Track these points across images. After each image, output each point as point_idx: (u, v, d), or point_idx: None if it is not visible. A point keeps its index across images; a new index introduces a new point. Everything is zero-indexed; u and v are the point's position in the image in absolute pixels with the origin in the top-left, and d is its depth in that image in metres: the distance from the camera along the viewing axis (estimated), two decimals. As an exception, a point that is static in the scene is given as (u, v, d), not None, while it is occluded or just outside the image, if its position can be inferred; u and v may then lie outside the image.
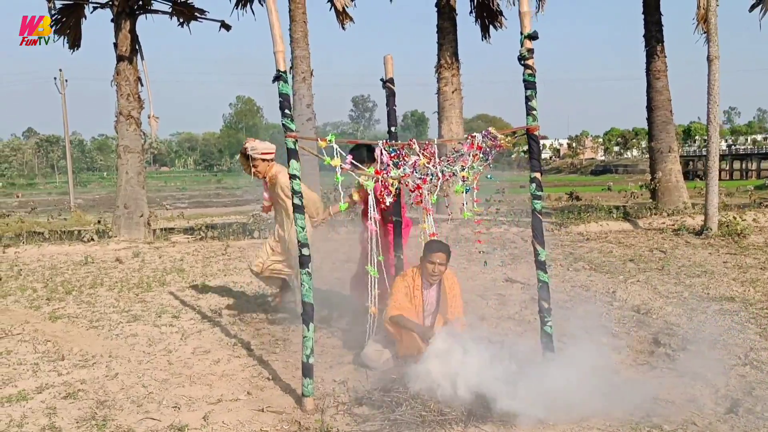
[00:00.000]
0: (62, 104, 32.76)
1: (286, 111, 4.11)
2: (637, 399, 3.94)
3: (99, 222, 15.44)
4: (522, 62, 3.95)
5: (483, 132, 4.03)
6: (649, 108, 15.92)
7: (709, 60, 11.88)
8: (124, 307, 7.26)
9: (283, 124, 4.12)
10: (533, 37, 3.91)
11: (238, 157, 6.78)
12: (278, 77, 4.10)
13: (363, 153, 5.20)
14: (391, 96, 5.47)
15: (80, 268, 10.15)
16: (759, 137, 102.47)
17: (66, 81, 32.69)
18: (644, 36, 16.11)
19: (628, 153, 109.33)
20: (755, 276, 7.98)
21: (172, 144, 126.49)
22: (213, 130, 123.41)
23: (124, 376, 4.86)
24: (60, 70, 32.86)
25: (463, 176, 4.01)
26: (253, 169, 6.12)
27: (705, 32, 15.50)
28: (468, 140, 4.05)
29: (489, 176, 4.14)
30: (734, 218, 12.33)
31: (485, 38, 17.31)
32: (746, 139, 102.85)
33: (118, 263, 10.54)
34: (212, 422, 3.93)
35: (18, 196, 48.53)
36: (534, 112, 3.96)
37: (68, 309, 7.25)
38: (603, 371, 4.08)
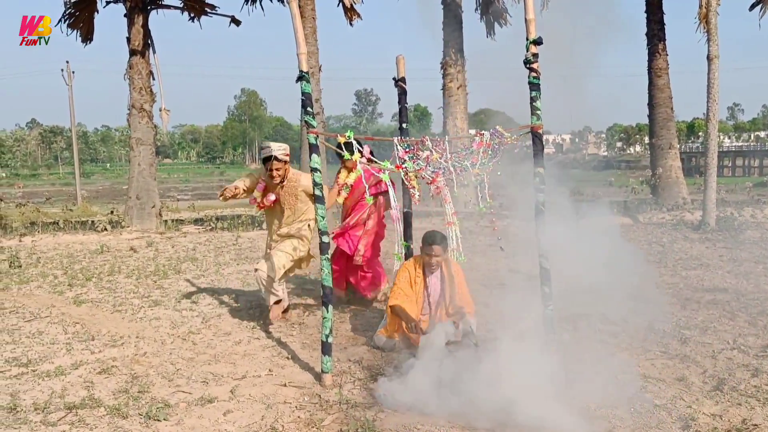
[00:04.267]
0: (69, 96, 32.98)
1: (309, 109, 4.44)
2: (628, 378, 4.27)
3: (112, 212, 15.80)
4: (527, 66, 4.26)
5: (491, 130, 4.35)
6: (651, 105, 16.22)
7: (708, 59, 12.18)
8: (144, 293, 7.60)
9: (305, 121, 4.45)
10: (538, 42, 4.22)
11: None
12: (301, 77, 4.43)
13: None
14: (402, 94, 5.79)
15: (97, 257, 10.50)
16: (762, 134, 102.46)
17: (73, 73, 32.92)
18: (646, 34, 16.40)
19: (631, 149, 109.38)
20: (749, 269, 8.31)
21: (174, 136, 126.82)
22: (216, 122, 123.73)
23: (152, 355, 5.20)
24: (67, 61, 33.01)
25: (476, 172, 4.33)
26: (274, 172, 5.79)
27: (706, 31, 15.79)
28: (477, 138, 4.37)
29: (500, 173, 4.45)
30: (732, 214, 12.68)
31: (490, 35, 17.62)
32: (749, 136, 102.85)
33: (132, 252, 10.89)
34: (239, 395, 4.27)
35: (20, 187, 48.72)
36: (538, 112, 4.28)
37: (91, 294, 7.59)
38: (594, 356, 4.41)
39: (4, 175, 73.66)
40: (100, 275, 8.79)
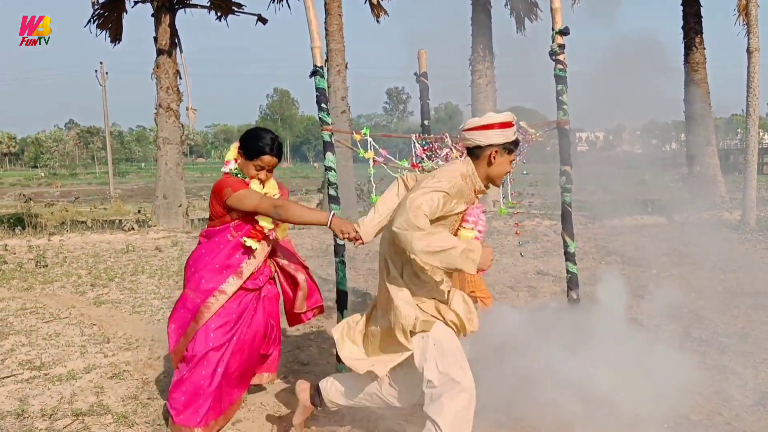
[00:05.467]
0: (103, 96, 33.53)
1: (323, 105, 4.25)
2: (664, 390, 3.99)
3: (139, 212, 15.87)
4: (553, 58, 4.02)
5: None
6: (687, 101, 15.72)
7: (748, 52, 11.71)
8: (165, 293, 7.52)
9: (319, 117, 4.27)
10: (564, 32, 3.98)
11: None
12: (315, 72, 4.25)
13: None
14: (424, 90, 5.57)
15: (122, 256, 10.49)
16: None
17: (107, 73, 33.42)
18: (682, 28, 15.91)
19: (666, 146, 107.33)
20: (792, 273, 7.91)
21: (208, 136, 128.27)
22: (249, 122, 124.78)
23: (165, 359, 5.07)
24: (101, 62, 33.64)
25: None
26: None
27: (746, 23, 15.24)
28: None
29: (525, 172, 4.21)
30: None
31: (520, 30, 17.26)
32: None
33: (157, 251, 10.86)
34: (250, 403, 4.11)
35: (58, 186, 49.80)
36: (565, 107, 4.04)
37: (111, 295, 7.54)
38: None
39: (43, 174, 75.25)
40: (123, 275, 8.75)
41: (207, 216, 4.03)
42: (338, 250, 4.24)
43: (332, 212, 3.42)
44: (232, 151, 3.68)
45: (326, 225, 3.37)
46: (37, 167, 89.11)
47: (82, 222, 15.01)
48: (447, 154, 4.37)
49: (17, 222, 14.27)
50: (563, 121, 4.04)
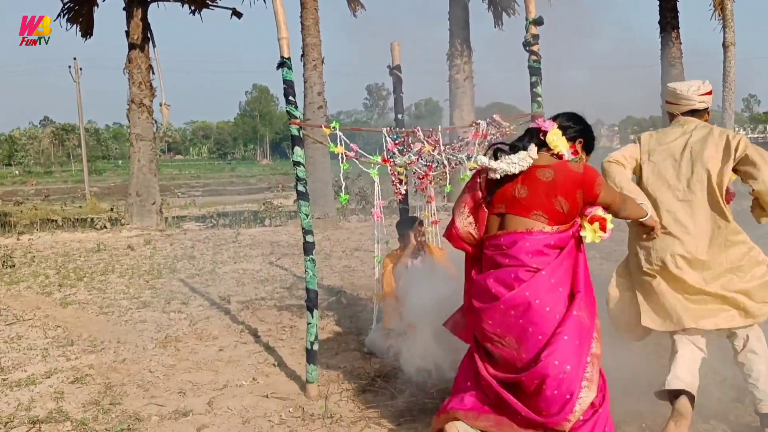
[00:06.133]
0: (77, 92, 32.87)
1: (290, 98, 4.09)
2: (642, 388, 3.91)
3: (112, 210, 15.58)
4: (527, 48, 3.91)
5: (488, 119, 4.00)
6: (664, 95, 15.75)
7: (724, 46, 11.75)
8: (134, 293, 7.32)
9: (287, 110, 4.11)
10: (538, 22, 3.87)
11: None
12: (282, 63, 4.08)
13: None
14: (398, 83, 5.45)
15: (92, 255, 10.25)
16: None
17: (81, 69, 32.76)
18: (659, 22, 15.90)
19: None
20: None
21: (186, 133, 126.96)
22: (227, 118, 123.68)
23: (131, 361, 4.90)
24: (74, 58, 32.83)
25: (473, 166, 3.98)
26: None
27: (721, 18, 15.31)
28: (473, 128, 4.02)
29: None
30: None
31: (498, 25, 17.19)
32: (765, 128, 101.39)
33: (129, 250, 10.63)
34: (217, 408, 3.96)
35: (33, 184, 49.07)
36: (539, 99, 3.93)
37: (79, 295, 7.33)
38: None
39: (17, 173, 74.02)
40: (92, 275, 8.53)
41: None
42: (308, 249, 4.10)
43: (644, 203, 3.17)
44: (561, 139, 2.85)
45: (644, 218, 3.16)
46: (11, 165, 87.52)
47: (53, 221, 14.69)
48: (420, 148, 4.25)
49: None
50: (538, 114, 3.94)
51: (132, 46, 14.13)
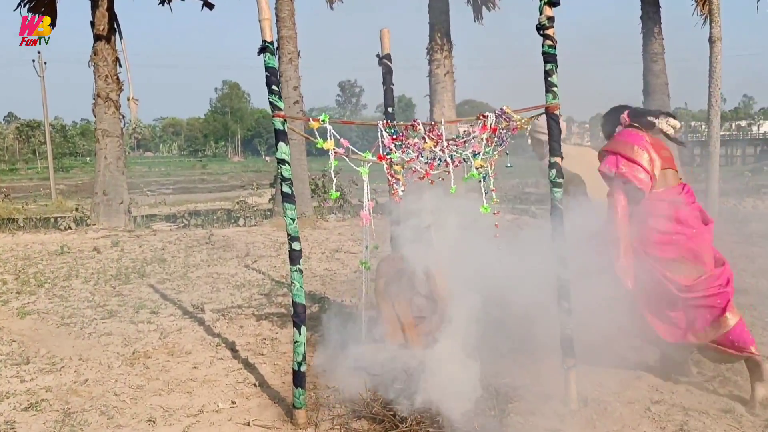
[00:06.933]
0: (41, 87, 31.81)
1: (274, 87, 3.62)
2: (664, 410, 3.54)
3: (77, 209, 14.84)
4: (541, 32, 3.49)
5: (497, 111, 3.57)
6: (646, 92, 15.53)
7: (710, 41, 11.49)
8: (100, 301, 6.77)
9: (270, 101, 3.64)
10: (554, 3, 3.45)
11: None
12: (264, 48, 3.61)
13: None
14: (387, 73, 4.99)
15: (55, 258, 9.62)
16: (744, 123, 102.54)
17: (45, 63, 31.68)
18: (641, 17, 15.69)
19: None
20: (765, 266, 7.62)
21: (156, 129, 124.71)
22: (198, 115, 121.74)
23: (94, 382, 4.38)
24: (38, 52, 31.78)
25: (479, 164, 3.54)
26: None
27: (702, 14, 15.13)
28: (480, 121, 3.59)
29: (508, 164, 3.68)
30: (735, 206, 12.03)
31: (477, 19, 16.80)
32: (731, 125, 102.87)
33: (95, 253, 10.01)
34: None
35: (-5, 182, 47.65)
36: (554, 89, 3.51)
37: (39, 304, 6.75)
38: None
39: (-20, 170, 71.92)
40: (54, 280, 7.93)
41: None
42: (294, 257, 3.63)
43: None
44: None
45: None
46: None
47: (14, 220, 13.94)
48: (416, 144, 3.81)
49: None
50: (553, 106, 3.52)
51: (97, 38, 13.42)
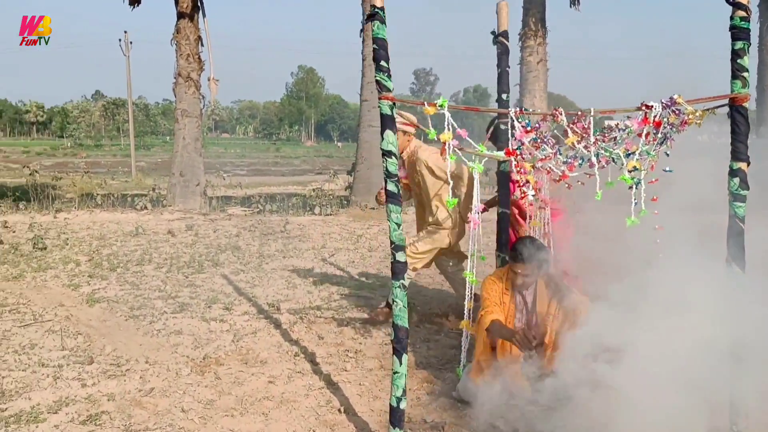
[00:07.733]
0: (126, 66, 32.41)
1: (382, 63, 2.98)
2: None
3: (153, 189, 14.75)
4: (731, 1, 2.71)
5: (663, 101, 2.81)
6: (760, 87, 14.15)
7: None
8: (171, 291, 6.37)
9: (377, 80, 3.00)
10: (752, -37, 2.66)
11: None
12: (373, 15, 2.97)
13: None
14: (503, 54, 4.27)
15: (130, 240, 9.37)
16: None
17: (131, 43, 32.27)
18: (758, 6, 14.29)
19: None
20: None
21: (233, 111, 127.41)
22: (274, 99, 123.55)
23: (160, 393, 3.90)
24: (125, 32, 32.42)
25: (633, 166, 2.81)
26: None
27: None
28: (640, 113, 2.84)
29: (667, 168, 2.93)
30: None
31: (574, 5, 15.70)
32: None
33: (170, 236, 9.73)
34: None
35: (82, 156, 49.58)
36: (744, 74, 2.72)
37: (110, 290, 6.42)
38: None
39: (69, 144, 75.07)
40: (127, 264, 7.63)
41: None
42: (398, 270, 2.99)
43: None
44: None
45: None
46: (63, 137, 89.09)
47: (92, 197, 13.95)
48: (551, 139, 3.10)
49: (22, 195, 13.27)
50: (741, 97, 2.74)
51: (180, 15, 13.19)
